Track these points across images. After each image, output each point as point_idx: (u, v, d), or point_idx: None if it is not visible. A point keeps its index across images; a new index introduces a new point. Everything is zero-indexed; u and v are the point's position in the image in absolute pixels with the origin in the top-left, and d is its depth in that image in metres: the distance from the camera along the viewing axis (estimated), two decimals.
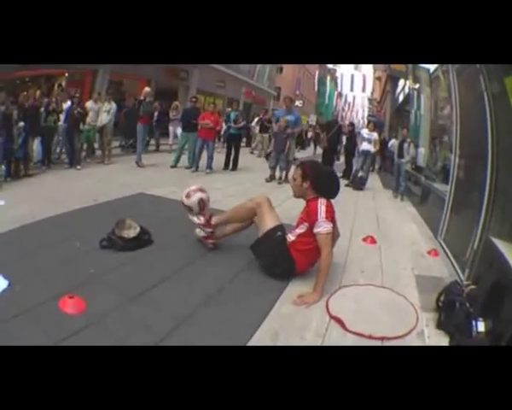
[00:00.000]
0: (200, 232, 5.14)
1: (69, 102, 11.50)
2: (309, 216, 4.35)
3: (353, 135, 16.15)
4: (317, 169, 4.71)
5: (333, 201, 4.59)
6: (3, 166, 8.40)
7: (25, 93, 10.05)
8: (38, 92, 12.06)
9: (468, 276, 4.86)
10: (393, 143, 14.84)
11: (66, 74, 16.73)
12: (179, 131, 13.95)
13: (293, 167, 10.33)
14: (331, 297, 4.17)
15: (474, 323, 3.40)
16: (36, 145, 10.23)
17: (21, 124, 9.02)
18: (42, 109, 10.30)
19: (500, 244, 4.03)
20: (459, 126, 6.96)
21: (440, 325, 3.80)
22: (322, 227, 4.21)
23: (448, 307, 3.85)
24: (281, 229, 4.56)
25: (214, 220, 5.00)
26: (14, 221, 5.33)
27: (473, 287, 4.00)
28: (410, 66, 16.45)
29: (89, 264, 4.22)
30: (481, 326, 3.37)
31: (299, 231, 4.47)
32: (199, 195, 4.98)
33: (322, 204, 4.30)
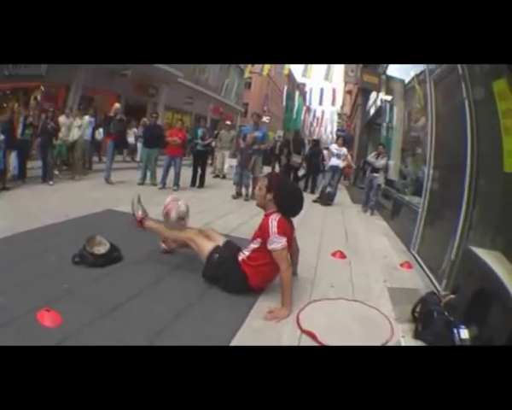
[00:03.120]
0: (137, 211, 5.44)
1: (43, 117, 11.69)
2: (262, 233, 4.44)
3: (318, 151, 16.74)
4: (284, 184, 4.76)
5: (300, 216, 4.74)
6: None
7: (5, 105, 10.08)
8: (16, 105, 12.34)
9: (446, 286, 4.88)
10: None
11: (42, 88, 16.68)
12: None
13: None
14: (301, 312, 4.17)
15: (455, 331, 3.39)
16: (12, 159, 10.32)
17: (1, 137, 9.22)
18: (20, 123, 10.46)
19: (481, 252, 4.02)
20: (434, 137, 7.05)
21: (418, 335, 3.80)
22: (276, 243, 4.27)
23: (425, 318, 3.85)
24: (217, 250, 4.71)
25: (147, 224, 5.33)
26: None
27: (451, 296, 4.02)
28: (384, 77, 16.82)
29: (63, 279, 4.35)
30: (464, 334, 3.36)
31: (253, 245, 4.56)
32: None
33: (273, 219, 4.35)
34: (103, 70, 18.64)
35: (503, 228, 4.11)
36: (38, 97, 16.03)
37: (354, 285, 5.23)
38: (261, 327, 3.80)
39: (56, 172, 11.99)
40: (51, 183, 10.79)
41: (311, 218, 9.48)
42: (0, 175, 9.29)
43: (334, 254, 6.46)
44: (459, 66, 5.46)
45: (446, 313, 3.66)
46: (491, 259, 3.75)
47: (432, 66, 7.18)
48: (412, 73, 11.08)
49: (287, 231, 4.40)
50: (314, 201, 12.91)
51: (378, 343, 3.63)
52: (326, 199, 12.94)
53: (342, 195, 15.70)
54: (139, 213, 5.35)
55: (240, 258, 4.58)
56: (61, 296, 3.92)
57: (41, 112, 12.50)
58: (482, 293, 3.55)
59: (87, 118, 13.61)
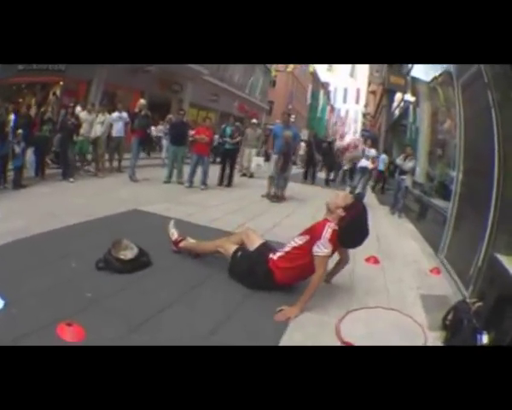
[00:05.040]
0: (172, 234, 5.56)
1: (63, 112, 11.51)
2: (313, 232, 4.59)
3: (331, 150, 21.06)
4: (359, 217, 4.75)
5: None
6: None
7: (21, 100, 10.12)
8: (34, 100, 12.24)
9: (472, 293, 5.00)
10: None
11: (61, 83, 16.36)
12: None
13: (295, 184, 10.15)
14: (341, 322, 4.23)
15: (478, 337, 3.55)
16: (29, 155, 10.22)
17: (20, 131, 9.15)
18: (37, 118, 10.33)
19: (504, 260, 4.18)
20: (463, 142, 7.10)
21: (447, 343, 3.96)
22: (323, 248, 4.43)
23: (455, 325, 4.00)
24: (240, 249, 4.95)
25: (182, 244, 5.42)
26: (7, 235, 5.23)
27: (480, 304, 4.11)
28: (409, 78, 16.81)
29: (86, 287, 4.11)
30: (485, 339, 3.51)
31: (297, 241, 4.70)
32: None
33: (329, 227, 4.51)
34: (126, 66, 17.94)
35: None
36: (58, 93, 15.85)
37: (389, 292, 5.33)
38: (302, 339, 3.80)
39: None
40: (72, 180, 10.54)
41: None
42: (17, 172, 9.07)
43: (368, 260, 6.54)
44: (484, 72, 5.53)
45: (474, 321, 3.78)
46: None
47: (459, 70, 7.24)
48: (434, 74, 11.10)
49: (335, 244, 4.55)
50: None
51: None
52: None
53: (369, 196, 15.55)
54: (175, 236, 5.49)
55: (270, 256, 4.76)
56: (83, 307, 3.73)
57: (61, 107, 12.39)
58: (502, 299, 3.70)
59: (116, 114, 13.07)
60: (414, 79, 15.81)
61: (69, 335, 3.19)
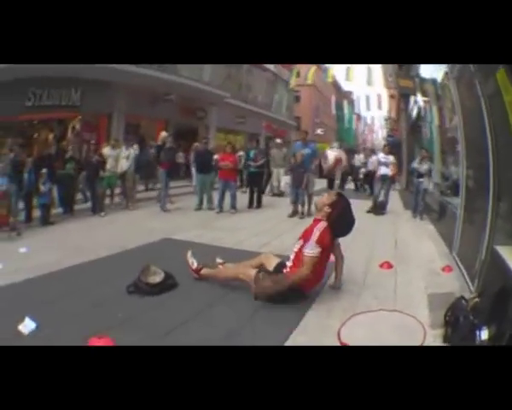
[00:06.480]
0: (192, 263, 5.71)
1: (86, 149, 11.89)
2: (305, 235, 5.10)
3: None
4: (345, 211, 5.33)
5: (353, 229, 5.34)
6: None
7: (36, 135, 10.54)
8: (51, 136, 12.46)
9: (477, 286, 4.95)
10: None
11: (79, 117, 16.54)
12: None
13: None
14: (343, 326, 4.32)
15: (477, 333, 3.49)
16: (54, 193, 10.54)
17: (44, 170, 9.48)
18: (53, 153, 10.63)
19: (503, 251, 4.12)
20: (464, 136, 7.03)
21: (447, 340, 3.92)
22: (310, 248, 4.87)
23: (454, 322, 3.96)
24: (262, 269, 5.20)
25: (203, 272, 5.62)
26: (40, 268, 5.76)
27: (476, 300, 4.08)
28: (417, 80, 16.65)
29: (117, 309, 4.57)
30: (485, 334, 3.45)
31: (297, 246, 5.17)
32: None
33: (317, 229, 4.97)
34: (145, 96, 18.79)
35: None
36: (77, 127, 16.04)
37: (397, 295, 5.36)
38: (305, 341, 3.99)
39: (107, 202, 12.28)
40: (102, 214, 11.04)
41: (362, 229, 9.12)
42: (45, 209, 9.50)
43: (381, 266, 6.56)
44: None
45: (471, 317, 3.75)
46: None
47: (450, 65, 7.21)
48: (442, 72, 10.94)
49: (326, 242, 4.98)
50: (368, 211, 12.85)
51: None
52: (379, 209, 12.96)
53: (395, 200, 15.65)
54: (195, 265, 5.67)
55: (284, 270, 5.09)
56: (114, 325, 4.11)
57: (82, 143, 12.62)
58: (503, 291, 3.65)
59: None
60: (422, 79, 15.67)
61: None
